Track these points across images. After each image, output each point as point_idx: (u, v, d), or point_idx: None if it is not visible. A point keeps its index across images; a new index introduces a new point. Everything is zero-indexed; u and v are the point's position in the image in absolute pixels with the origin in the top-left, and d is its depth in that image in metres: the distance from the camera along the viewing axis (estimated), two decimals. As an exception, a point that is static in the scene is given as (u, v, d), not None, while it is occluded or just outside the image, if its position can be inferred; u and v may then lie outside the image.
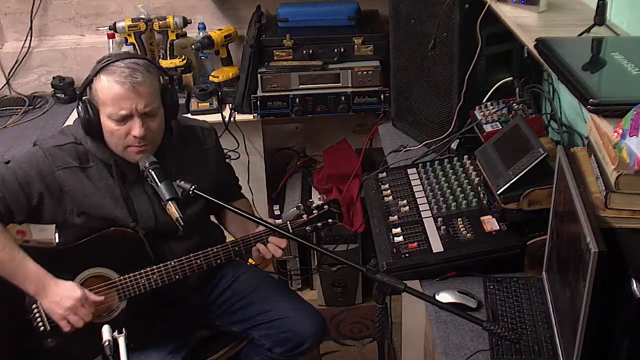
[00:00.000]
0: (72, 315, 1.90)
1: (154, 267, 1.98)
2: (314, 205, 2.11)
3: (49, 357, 1.99)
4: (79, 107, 1.92)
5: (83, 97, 1.94)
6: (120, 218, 1.99)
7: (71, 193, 1.96)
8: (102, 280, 1.99)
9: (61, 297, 1.88)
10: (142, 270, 1.98)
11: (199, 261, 2.01)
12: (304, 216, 2.10)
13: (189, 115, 2.71)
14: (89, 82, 1.92)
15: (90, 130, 1.94)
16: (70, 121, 2.42)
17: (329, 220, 2.12)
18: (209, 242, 2.09)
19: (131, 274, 1.98)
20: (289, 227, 2.08)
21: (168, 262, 1.99)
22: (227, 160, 2.41)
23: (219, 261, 2.03)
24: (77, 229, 2.00)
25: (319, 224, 2.11)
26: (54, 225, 2.12)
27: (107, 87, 1.87)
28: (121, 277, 1.98)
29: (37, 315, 1.95)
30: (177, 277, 2.00)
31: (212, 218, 2.34)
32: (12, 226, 2.04)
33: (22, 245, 1.94)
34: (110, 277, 1.99)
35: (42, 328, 1.96)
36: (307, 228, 2.10)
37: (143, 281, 1.98)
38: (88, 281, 1.98)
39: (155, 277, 1.98)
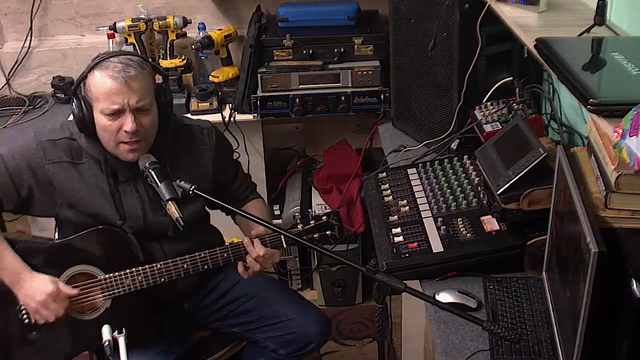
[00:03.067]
0: (44, 310, 1.92)
1: (140, 268, 1.98)
2: (312, 215, 2.08)
3: (34, 351, 2.00)
4: (73, 104, 1.92)
5: (77, 94, 1.93)
6: (107, 215, 1.99)
7: (60, 187, 1.96)
8: (88, 277, 1.99)
9: (34, 291, 1.90)
10: (127, 271, 1.98)
11: (185, 265, 1.99)
12: (299, 226, 2.06)
13: (189, 115, 2.70)
14: (82, 78, 1.92)
15: (83, 127, 1.93)
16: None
17: (327, 232, 2.07)
18: (205, 245, 2.05)
19: (116, 274, 1.97)
20: (282, 239, 2.01)
21: (154, 265, 1.98)
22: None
23: (205, 267, 2.01)
24: (72, 224, 2.01)
25: (315, 235, 2.06)
26: (54, 222, 2.13)
27: (100, 82, 1.87)
28: (106, 276, 1.98)
29: (22, 307, 1.97)
30: (162, 279, 1.98)
31: (229, 217, 2.30)
32: (12, 225, 2.04)
33: (11, 239, 1.95)
34: (97, 275, 1.99)
35: (26, 320, 1.97)
36: (304, 237, 2.03)
37: (128, 281, 1.97)
38: (74, 278, 1.99)
39: (140, 278, 1.97)
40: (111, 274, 1.98)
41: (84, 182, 1.97)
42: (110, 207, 1.99)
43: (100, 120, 1.90)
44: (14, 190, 1.95)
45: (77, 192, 1.97)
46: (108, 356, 1.58)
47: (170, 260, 1.99)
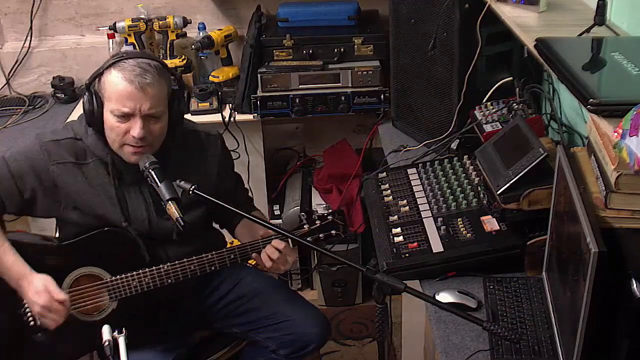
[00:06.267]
0: (46, 317, 1.89)
1: (147, 269, 1.98)
2: (317, 215, 2.10)
3: (40, 353, 2.00)
4: (85, 97, 1.91)
5: (90, 88, 1.93)
6: (112, 217, 1.98)
7: (64, 188, 1.96)
8: (94, 279, 1.99)
9: (32, 302, 1.87)
10: (134, 272, 1.97)
11: (192, 267, 1.99)
12: (306, 226, 2.09)
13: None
14: (99, 73, 1.91)
15: (92, 122, 1.93)
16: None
17: (332, 232, 2.10)
18: (208, 248, 2.06)
19: (122, 275, 1.97)
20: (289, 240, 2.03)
21: (161, 266, 1.98)
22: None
23: (212, 268, 2.01)
24: (75, 224, 2.01)
25: (321, 235, 2.09)
26: (54, 222, 2.13)
27: (115, 82, 1.86)
28: (112, 278, 1.97)
29: (27, 309, 1.96)
30: (169, 281, 1.99)
31: (220, 228, 2.32)
32: (11, 225, 2.04)
33: (17, 241, 1.94)
34: (103, 277, 1.99)
35: (32, 323, 1.97)
36: (308, 238, 2.08)
37: (135, 283, 1.97)
38: (79, 280, 1.98)
39: (147, 279, 1.97)
40: (118, 276, 1.97)
41: (88, 183, 1.97)
42: (115, 209, 1.98)
43: (109, 119, 1.89)
44: (16, 193, 1.94)
45: (81, 194, 1.97)
46: (108, 356, 1.58)
47: (177, 262, 1.99)
